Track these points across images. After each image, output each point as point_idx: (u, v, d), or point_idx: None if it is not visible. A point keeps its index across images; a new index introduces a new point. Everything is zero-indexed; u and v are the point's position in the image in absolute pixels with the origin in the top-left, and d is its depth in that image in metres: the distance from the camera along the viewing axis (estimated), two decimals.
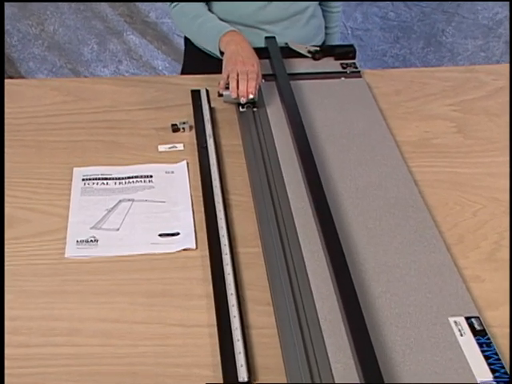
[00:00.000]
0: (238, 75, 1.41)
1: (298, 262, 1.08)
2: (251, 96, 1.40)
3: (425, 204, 1.21)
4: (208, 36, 1.57)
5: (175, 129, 1.43)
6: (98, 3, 2.71)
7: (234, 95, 1.41)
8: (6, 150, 1.36)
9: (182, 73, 1.87)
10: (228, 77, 1.42)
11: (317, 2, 1.74)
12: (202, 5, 1.64)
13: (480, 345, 0.95)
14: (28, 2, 2.70)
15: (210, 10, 1.65)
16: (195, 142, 1.39)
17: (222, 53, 1.52)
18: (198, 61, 1.73)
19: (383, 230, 1.15)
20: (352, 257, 1.08)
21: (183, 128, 1.43)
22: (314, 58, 1.66)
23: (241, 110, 1.46)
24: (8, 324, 1.00)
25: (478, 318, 0.99)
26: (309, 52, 1.66)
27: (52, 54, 2.85)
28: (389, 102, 1.54)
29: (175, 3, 1.65)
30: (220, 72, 1.47)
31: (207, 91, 1.53)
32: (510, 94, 1.57)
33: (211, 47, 1.56)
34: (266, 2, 1.64)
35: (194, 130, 1.43)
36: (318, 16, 1.78)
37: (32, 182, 1.29)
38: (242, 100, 1.41)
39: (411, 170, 1.31)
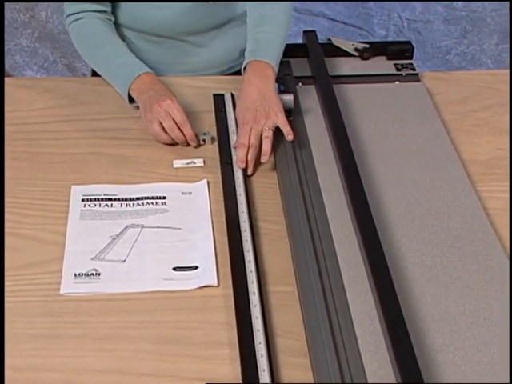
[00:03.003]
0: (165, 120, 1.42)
1: (340, 304, 1.10)
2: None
3: (497, 237, 1.22)
4: (115, 78, 1.56)
5: None
6: None
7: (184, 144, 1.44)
8: None
9: None
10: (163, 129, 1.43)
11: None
12: (108, 29, 1.60)
13: None
14: None
15: (116, 19, 1.63)
16: (218, 156, 1.42)
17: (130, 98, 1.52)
18: None
19: (445, 268, 1.16)
20: (407, 301, 1.09)
21: (204, 140, 1.45)
22: (363, 58, 1.69)
23: None
24: None
25: None
26: (356, 50, 1.69)
27: (43, 45, 2.90)
28: (454, 112, 1.56)
29: (74, 17, 1.59)
30: None
31: (233, 96, 1.56)
32: (510, 95, 1.59)
33: (118, 90, 1.56)
34: (189, 6, 1.59)
35: (216, 143, 1.46)
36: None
37: (22, 203, 1.32)
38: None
39: (480, 195, 1.32)
